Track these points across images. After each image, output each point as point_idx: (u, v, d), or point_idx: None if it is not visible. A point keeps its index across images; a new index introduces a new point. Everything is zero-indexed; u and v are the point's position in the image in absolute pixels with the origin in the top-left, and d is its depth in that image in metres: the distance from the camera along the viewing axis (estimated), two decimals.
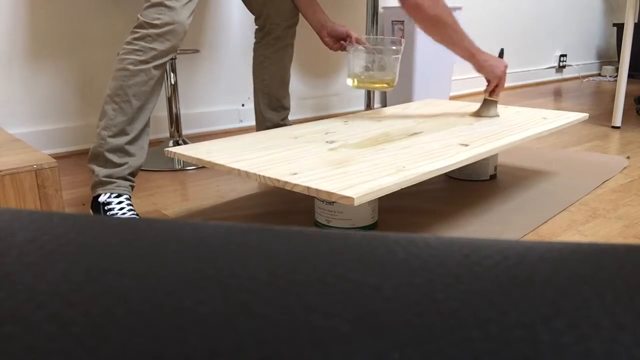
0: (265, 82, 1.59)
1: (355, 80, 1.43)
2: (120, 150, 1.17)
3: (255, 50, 1.61)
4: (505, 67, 1.42)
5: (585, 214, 1.22)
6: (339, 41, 1.47)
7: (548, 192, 1.35)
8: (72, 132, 1.87)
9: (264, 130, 1.51)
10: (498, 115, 1.46)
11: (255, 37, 1.61)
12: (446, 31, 1.33)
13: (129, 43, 1.16)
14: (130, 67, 1.15)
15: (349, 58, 1.44)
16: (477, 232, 1.11)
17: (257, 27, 1.59)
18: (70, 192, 1.43)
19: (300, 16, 1.54)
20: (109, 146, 1.16)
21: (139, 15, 1.16)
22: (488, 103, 1.47)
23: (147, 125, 1.21)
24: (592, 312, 0.13)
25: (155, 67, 1.17)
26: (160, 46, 1.16)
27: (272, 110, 1.61)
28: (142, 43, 1.15)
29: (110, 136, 1.16)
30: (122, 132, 1.16)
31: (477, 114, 1.47)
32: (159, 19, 1.14)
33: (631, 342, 0.12)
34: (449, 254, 0.16)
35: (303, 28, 1.81)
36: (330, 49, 1.49)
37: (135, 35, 1.16)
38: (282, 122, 1.62)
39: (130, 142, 1.18)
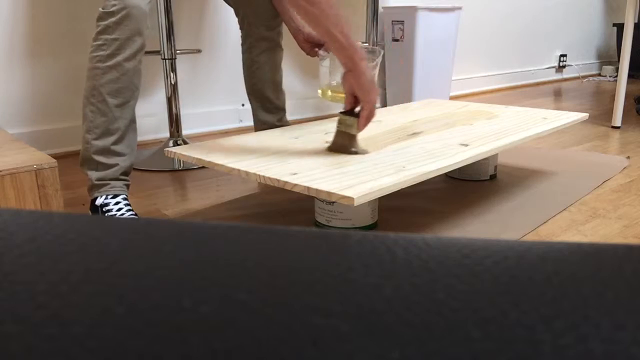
0: (256, 87, 1.55)
1: (329, 91, 1.32)
2: (107, 152, 1.15)
3: (242, 53, 1.57)
4: (377, 97, 1.08)
5: (585, 214, 1.22)
6: (315, 47, 1.41)
7: (548, 192, 1.35)
8: (72, 132, 1.87)
9: (263, 129, 1.50)
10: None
11: (241, 39, 1.57)
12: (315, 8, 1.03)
13: (94, 39, 1.13)
14: (100, 64, 1.12)
15: (320, 66, 1.33)
16: (477, 232, 1.11)
17: (239, 27, 1.55)
18: (70, 192, 1.43)
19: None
20: (95, 149, 1.14)
21: (99, 8, 1.13)
22: (350, 136, 1.07)
23: (132, 121, 1.18)
24: (592, 312, 0.13)
25: (126, 60, 1.12)
26: (122, 35, 1.11)
27: (267, 113, 1.58)
28: (105, 36, 1.11)
29: (94, 139, 1.14)
30: (105, 133, 1.14)
31: (338, 149, 1.09)
32: (114, 5, 1.10)
33: (631, 342, 0.12)
34: (449, 254, 0.16)
35: None
36: (307, 54, 1.44)
37: (98, 29, 1.12)
38: (279, 123, 1.58)
39: (116, 142, 1.15)
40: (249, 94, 1.60)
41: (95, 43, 1.13)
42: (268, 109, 1.58)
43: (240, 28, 1.55)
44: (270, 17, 1.49)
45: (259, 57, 1.53)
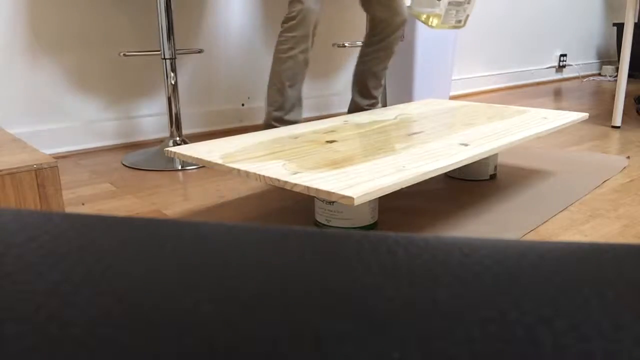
0: (359, 74, 1.85)
1: (433, 19, 1.41)
2: (280, 120, 1.60)
3: (361, 49, 1.86)
4: None
5: (585, 213, 1.22)
6: None
7: (548, 192, 1.35)
8: (72, 132, 1.87)
9: (352, 111, 1.86)
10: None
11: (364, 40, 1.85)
12: None
13: (279, 36, 1.53)
14: (282, 55, 1.53)
15: None
16: (477, 232, 1.11)
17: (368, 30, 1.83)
18: (70, 192, 1.43)
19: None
20: (273, 117, 1.59)
21: (286, 14, 1.51)
22: None
23: (298, 99, 1.62)
24: (592, 312, 0.13)
25: (300, 53, 1.52)
26: (298, 33, 1.51)
27: (361, 97, 1.87)
28: (287, 34, 1.52)
29: (274, 110, 1.59)
30: (280, 108, 1.59)
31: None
32: (294, 11, 1.49)
33: (631, 342, 0.12)
34: (449, 254, 0.16)
35: None
36: None
37: (283, 29, 1.53)
38: (367, 107, 1.87)
39: (287, 113, 1.60)
40: (354, 79, 1.89)
41: (279, 39, 1.54)
42: (364, 95, 1.87)
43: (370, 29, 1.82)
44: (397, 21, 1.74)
45: (373, 52, 1.82)
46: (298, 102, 1.63)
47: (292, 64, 1.53)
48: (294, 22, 1.48)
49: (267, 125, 1.62)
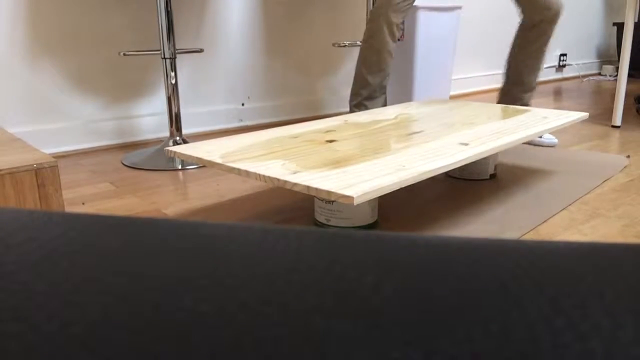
0: (511, 64, 1.86)
1: None
2: (358, 106, 1.75)
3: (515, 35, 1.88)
4: None
5: (585, 213, 1.22)
6: None
7: (548, 192, 1.35)
8: (72, 131, 1.87)
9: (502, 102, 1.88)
10: None
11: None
12: None
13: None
14: (363, 43, 1.73)
15: None
16: (477, 231, 1.11)
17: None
18: (70, 192, 1.43)
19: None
20: (354, 102, 1.76)
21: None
22: None
23: (380, 87, 1.75)
24: (592, 312, 0.13)
25: (375, 42, 1.69)
26: (374, 25, 1.70)
27: (512, 85, 1.86)
28: (369, 25, 1.72)
29: (353, 94, 1.75)
30: (357, 93, 1.75)
31: None
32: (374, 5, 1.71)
33: (631, 341, 0.12)
34: (449, 253, 0.16)
35: (301, 28, 1.79)
36: None
37: (367, 19, 1.73)
38: (519, 96, 1.84)
39: (366, 100, 1.75)
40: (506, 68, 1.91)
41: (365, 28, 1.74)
42: (515, 82, 1.85)
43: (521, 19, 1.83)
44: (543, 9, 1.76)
45: (523, 42, 1.82)
46: (379, 93, 1.75)
47: (370, 51, 1.68)
48: (370, 16, 1.70)
49: (350, 111, 1.75)
